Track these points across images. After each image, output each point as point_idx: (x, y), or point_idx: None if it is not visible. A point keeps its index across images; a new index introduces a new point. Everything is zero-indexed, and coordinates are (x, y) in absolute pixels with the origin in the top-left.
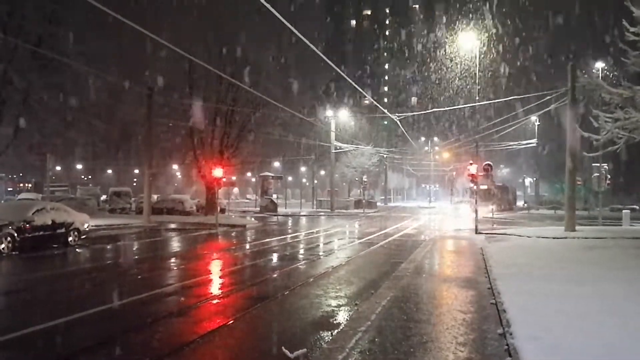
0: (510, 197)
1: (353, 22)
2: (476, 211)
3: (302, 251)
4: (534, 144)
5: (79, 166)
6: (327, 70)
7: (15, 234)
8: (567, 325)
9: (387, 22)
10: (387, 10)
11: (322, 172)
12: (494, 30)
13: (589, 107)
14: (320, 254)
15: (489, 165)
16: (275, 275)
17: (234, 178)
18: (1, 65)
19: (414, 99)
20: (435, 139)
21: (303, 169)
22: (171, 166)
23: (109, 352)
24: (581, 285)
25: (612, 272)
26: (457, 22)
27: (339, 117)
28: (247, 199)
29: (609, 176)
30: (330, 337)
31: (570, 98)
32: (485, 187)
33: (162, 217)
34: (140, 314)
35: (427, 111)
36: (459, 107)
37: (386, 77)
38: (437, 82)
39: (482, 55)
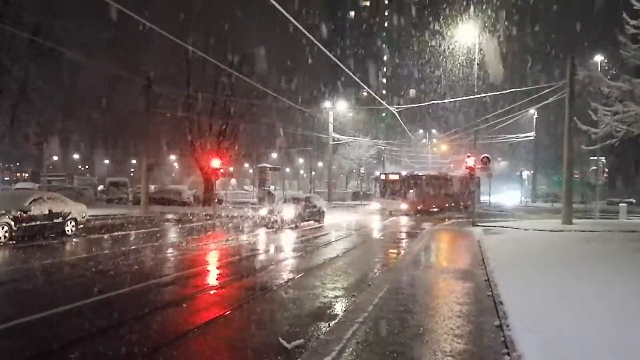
0: (447, 191)
1: (352, 14)
2: (474, 202)
3: (299, 242)
4: (532, 137)
5: (76, 156)
6: (325, 62)
7: (12, 223)
8: (563, 318)
9: (386, 13)
10: (386, 1)
11: (320, 164)
12: (492, 22)
13: (588, 100)
14: (318, 245)
15: (486, 157)
16: (272, 267)
17: (231, 169)
18: None
19: (412, 91)
20: (434, 131)
21: (301, 160)
22: (169, 157)
23: (107, 341)
24: (578, 278)
25: (608, 265)
26: (456, 13)
27: (337, 109)
28: (245, 190)
29: (606, 169)
30: (328, 328)
31: (569, 91)
32: (396, 177)
33: (160, 207)
34: (137, 304)
35: (426, 103)
36: (457, 99)
37: (385, 69)
38: (436, 73)
39: (481, 49)
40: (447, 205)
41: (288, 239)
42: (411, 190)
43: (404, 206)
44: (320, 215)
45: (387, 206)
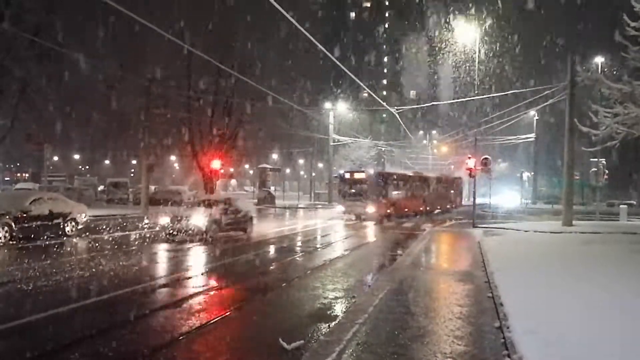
0: (422, 193)
1: (352, 14)
2: (474, 202)
3: (299, 243)
4: (532, 138)
5: (77, 156)
6: (326, 63)
7: (13, 224)
8: (563, 319)
9: (387, 14)
10: (387, 3)
11: (320, 165)
12: (493, 23)
13: (588, 102)
14: (318, 246)
15: (486, 159)
16: (272, 267)
17: (231, 170)
18: None
19: (413, 92)
20: (434, 132)
21: (301, 161)
22: (169, 157)
23: (106, 342)
24: (579, 280)
25: (608, 266)
26: (457, 15)
27: (338, 110)
28: (245, 190)
29: (606, 171)
30: (328, 329)
31: (569, 93)
32: (362, 175)
33: (160, 208)
34: (137, 305)
35: (426, 104)
36: (458, 100)
37: (385, 70)
38: (436, 75)
39: (482, 50)
40: (421, 209)
41: (176, 266)
42: (380, 192)
43: (370, 209)
44: (246, 222)
45: (352, 209)
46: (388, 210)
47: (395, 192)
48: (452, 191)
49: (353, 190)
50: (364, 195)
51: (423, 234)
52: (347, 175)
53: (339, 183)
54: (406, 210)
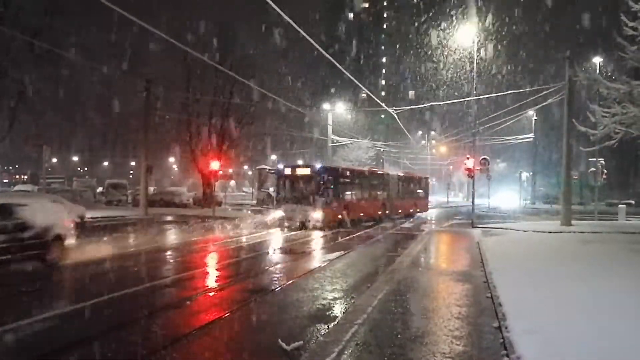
0: (380, 195)
1: (351, 15)
2: (473, 203)
3: (298, 244)
4: (531, 139)
5: (75, 158)
6: (324, 63)
7: None
8: (562, 320)
9: (385, 15)
10: (385, 3)
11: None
12: (492, 23)
13: (586, 102)
14: (317, 247)
15: (485, 159)
16: (271, 268)
17: (230, 171)
18: None
19: (411, 92)
20: (433, 132)
21: (300, 162)
22: (168, 158)
23: (112, 345)
24: (577, 280)
25: (607, 266)
26: (455, 15)
27: (336, 111)
28: (244, 192)
29: (605, 171)
30: (327, 330)
31: (567, 93)
32: (305, 171)
33: (159, 209)
34: (137, 306)
35: (425, 105)
36: (456, 100)
37: (384, 71)
38: (435, 75)
39: (480, 49)
40: (380, 212)
41: None
42: (329, 192)
43: (317, 215)
44: (47, 245)
45: (293, 215)
46: (339, 216)
47: (348, 193)
48: (418, 192)
49: (295, 191)
50: (309, 198)
51: (422, 234)
52: (288, 171)
53: (276, 181)
54: (362, 215)
